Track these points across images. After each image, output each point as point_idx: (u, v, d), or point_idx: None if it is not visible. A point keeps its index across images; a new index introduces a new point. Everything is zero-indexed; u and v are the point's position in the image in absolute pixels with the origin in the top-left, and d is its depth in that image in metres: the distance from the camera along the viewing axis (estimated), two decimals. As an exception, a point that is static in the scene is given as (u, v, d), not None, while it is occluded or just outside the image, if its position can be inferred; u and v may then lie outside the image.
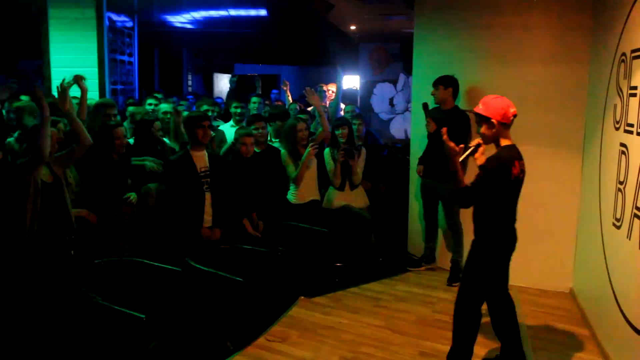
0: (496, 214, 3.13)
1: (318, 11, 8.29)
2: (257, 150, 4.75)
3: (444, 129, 3.12)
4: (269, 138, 5.12)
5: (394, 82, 10.90)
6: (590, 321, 4.02)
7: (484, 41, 4.81)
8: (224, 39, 11.51)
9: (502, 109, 3.05)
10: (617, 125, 3.57)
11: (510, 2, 4.67)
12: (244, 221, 4.47)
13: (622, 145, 3.42)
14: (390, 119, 10.87)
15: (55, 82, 6.42)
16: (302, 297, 4.50)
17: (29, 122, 4.02)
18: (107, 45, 7.18)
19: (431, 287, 4.86)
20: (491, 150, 3.17)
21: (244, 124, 4.83)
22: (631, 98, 3.29)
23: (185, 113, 4.79)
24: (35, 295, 3.15)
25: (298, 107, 6.43)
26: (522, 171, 3.12)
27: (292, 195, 4.99)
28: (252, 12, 9.78)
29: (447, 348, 3.71)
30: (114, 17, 7.20)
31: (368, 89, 11.22)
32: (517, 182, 3.10)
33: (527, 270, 4.48)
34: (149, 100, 6.33)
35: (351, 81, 11.67)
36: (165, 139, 4.85)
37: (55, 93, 4.67)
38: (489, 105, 3.08)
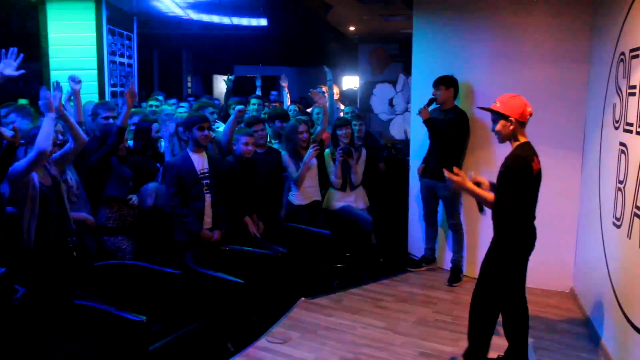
0: (518, 211, 3.14)
1: (317, 12, 8.29)
2: (257, 151, 4.75)
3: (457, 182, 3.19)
4: (268, 139, 5.12)
5: (394, 83, 10.89)
6: (590, 321, 4.02)
7: (483, 41, 4.82)
8: (223, 41, 11.51)
9: (520, 108, 3.10)
10: (617, 125, 3.57)
11: (509, 2, 4.68)
12: (245, 219, 4.46)
13: (622, 144, 3.42)
14: (390, 120, 10.86)
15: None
16: (303, 298, 4.50)
17: (22, 125, 4.00)
18: (106, 47, 7.18)
19: (432, 288, 4.86)
20: (506, 147, 3.19)
21: (242, 125, 4.81)
22: (630, 97, 3.30)
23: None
24: (36, 297, 3.14)
25: (297, 109, 6.42)
26: (540, 167, 3.16)
27: (294, 197, 4.99)
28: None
29: (447, 348, 3.72)
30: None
31: (367, 89, 11.22)
32: (538, 178, 3.14)
33: (528, 270, 4.46)
34: (150, 102, 6.33)
35: (351, 82, 11.67)
36: (162, 142, 4.84)
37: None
38: (507, 103, 3.11)
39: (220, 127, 5.11)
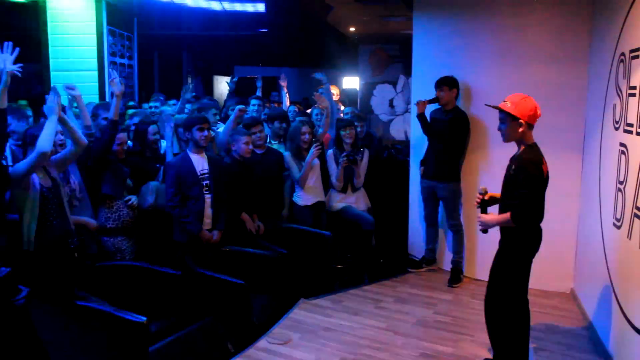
0: (533, 214, 3.11)
1: (317, 13, 8.30)
2: (256, 152, 4.76)
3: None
4: (267, 140, 5.11)
5: (394, 84, 10.89)
6: (591, 322, 4.02)
7: (483, 42, 4.82)
8: (223, 42, 11.52)
9: (531, 110, 3.09)
10: (617, 125, 3.57)
11: (509, 2, 4.68)
12: (242, 217, 4.45)
13: (622, 145, 3.42)
14: (390, 121, 10.86)
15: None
16: (303, 299, 4.50)
17: (18, 127, 4.00)
18: (107, 48, 7.18)
19: (432, 289, 4.86)
20: (506, 147, 3.20)
21: (240, 126, 4.80)
22: (630, 98, 3.30)
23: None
24: (37, 298, 3.15)
25: (297, 109, 6.42)
26: (548, 169, 3.17)
27: (298, 197, 5.00)
28: (250, 8, 9.68)
29: (448, 349, 3.72)
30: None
31: (368, 90, 11.22)
32: (547, 180, 3.14)
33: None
34: (152, 103, 6.33)
35: (351, 82, 11.68)
36: (163, 142, 4.84)
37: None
38: (519, 105, 3.10)
39: (221, 128, 5.11)
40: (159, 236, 4.20)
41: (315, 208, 5.04)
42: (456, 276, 4.95)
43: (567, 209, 4.61)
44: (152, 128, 4.50)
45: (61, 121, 3.47)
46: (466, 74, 4.89)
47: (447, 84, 4.82)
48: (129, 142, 4.50)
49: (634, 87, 3.22)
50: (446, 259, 5.21)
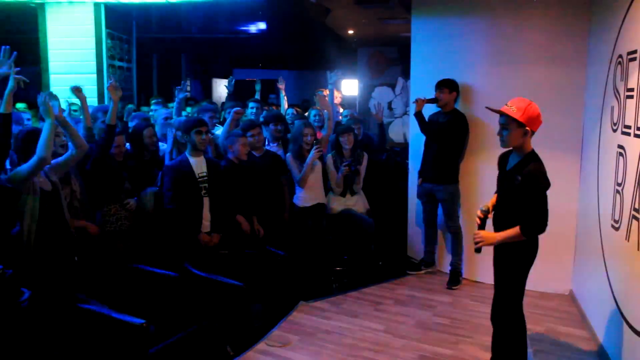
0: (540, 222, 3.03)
1: (316, 16, 8.31)
2: (255, 154, 4.76)
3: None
4: (266, 143, 5.12)
5: (393, 86, 10.92)
6: (590, 323, 4.02)
7: (481, 44, 4.83)
8: (222, 45, 11.53)
9: (536, 119, 2.98)
10: (615, 127, 3.58)
11: (507, 4, 4.69)
12: (237, 218, 4.45)
13: (620, 146, 3.43)
14: (389, 123, 10.88)
15: (54, 89, 6.43)
16: (302, 302, 4.50)
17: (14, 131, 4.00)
18: (105, 51, 7.20)
19: (431, 291, 4.86)
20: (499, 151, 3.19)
21: (237, 129, 4.80)
22: (628, 100, 3.31)
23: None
24: (37, 301, 3.15)
25: (294, 112, 6.43)
26: None
27: (297, 199, 5.01)
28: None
29: (447, 352, 3.72)
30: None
31: (366, 93, 11.25)
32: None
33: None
34: (153, 106, 6.33)
35: (350, 86, 11.68)
36: (161, 145, 4.85)
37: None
38: (526, 112, 2.96)
39: (218, 130, 5.11)
40: (158, 239, 4.20)
41: (315, 210, 5.04)
42: (455, 278, 4.95)
43: (566, 210, 4.61)
44: (147, 131, 4.50)
45: (63, 124, 3.46)
46: (464, 75, 4.90)
47: (447, 86, 4.82)
48: (127, 145, 4.50)
49: (632, 89, 3.23)
50: (445, 261, 5.21)
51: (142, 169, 4.44)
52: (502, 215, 3.16)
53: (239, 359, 3.62)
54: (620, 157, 3.41)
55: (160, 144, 4.82)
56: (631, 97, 3.24)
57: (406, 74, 9.41)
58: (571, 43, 4.51)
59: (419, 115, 4.90)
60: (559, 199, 4.54)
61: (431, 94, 4.91)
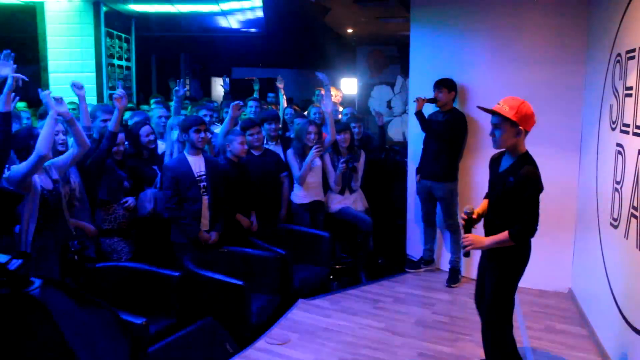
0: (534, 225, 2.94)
1: (315, 15, 8.32)
2: (254, 153, 4.77)
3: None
4: (265, 141, 5.12)
5: (392, 85, 10.92)
6: (589, 321, 4.03)
7: (480, 43, 4.84)
8: (221, 44, 11.52)
9: (530, 118, 2.89)
10: (614, 126, 3.59)
11: (505, 3, 4.69)
12: (237, 217, 4.45)
13: (619, 145, 3.43)
14: (388, 122, 10.88)
15: (53, 88, 6.43)
16: (302, 300, 4.51)
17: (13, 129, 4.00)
18: (104, 50, 7.20)
19: (430, 289, 4.87)
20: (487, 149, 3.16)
21: (236, 127, 4.80)
22: (627, 98, 3.31)
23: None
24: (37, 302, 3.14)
25: (293, 111, 6.43)
26: None
27: (295, 196, 5.01)
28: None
29: (446, 349, 3.73)
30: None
31: (366, 91, 11.25)
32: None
33: (526, 271, 4.47)
34: (153, 105, 6.33)
35: (349, 84, 11.70)
36: (160, 142, 4.85)
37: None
38: (519, 111, 2.86)
39: (217, 129, 5.12)
40: (157, 237, 4.21)
41: (313, 208, 5.05)
42: (454, 276, 4.96)
43: (565, 209, 4.62)
44: (144, 129, 4.49)
45: (70, 123, 3.45)
46: (463, 74, 4.91)
47: (446, 85, 4.83)
48: (126, 143, 4.51)
49: (630, 88, 3.24)
50: (444, 259, 5.22)
51: (142, 170, 4.44)
52: (493, 219, 3.07)
53: (238, 356, 3.62)
54: (619, 156, 3.41)
55: (159, 141, 4.83)
56: (630, 95, 3.25)
57: (405, 73, 9.43)
58: (570, 42, 4.51)
59: (419, 114, 4.90)
60: (558, 197, 4.58)
61: (430, 94, 4.92)
